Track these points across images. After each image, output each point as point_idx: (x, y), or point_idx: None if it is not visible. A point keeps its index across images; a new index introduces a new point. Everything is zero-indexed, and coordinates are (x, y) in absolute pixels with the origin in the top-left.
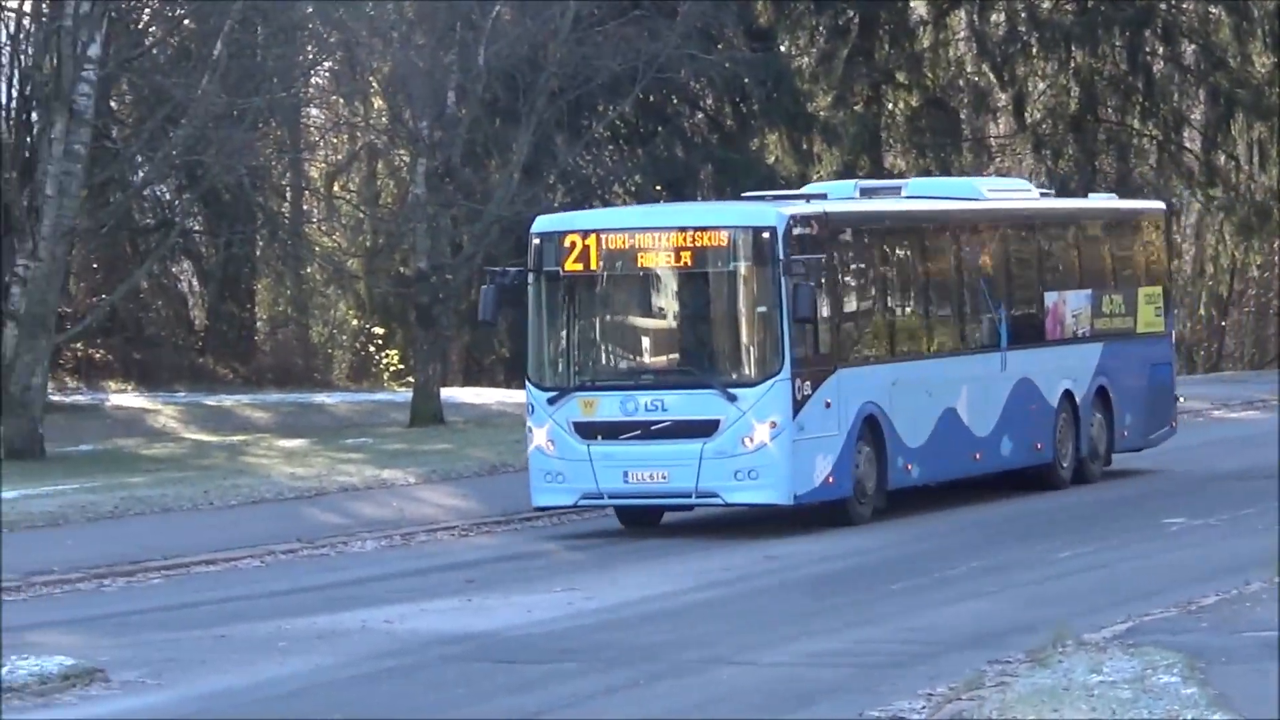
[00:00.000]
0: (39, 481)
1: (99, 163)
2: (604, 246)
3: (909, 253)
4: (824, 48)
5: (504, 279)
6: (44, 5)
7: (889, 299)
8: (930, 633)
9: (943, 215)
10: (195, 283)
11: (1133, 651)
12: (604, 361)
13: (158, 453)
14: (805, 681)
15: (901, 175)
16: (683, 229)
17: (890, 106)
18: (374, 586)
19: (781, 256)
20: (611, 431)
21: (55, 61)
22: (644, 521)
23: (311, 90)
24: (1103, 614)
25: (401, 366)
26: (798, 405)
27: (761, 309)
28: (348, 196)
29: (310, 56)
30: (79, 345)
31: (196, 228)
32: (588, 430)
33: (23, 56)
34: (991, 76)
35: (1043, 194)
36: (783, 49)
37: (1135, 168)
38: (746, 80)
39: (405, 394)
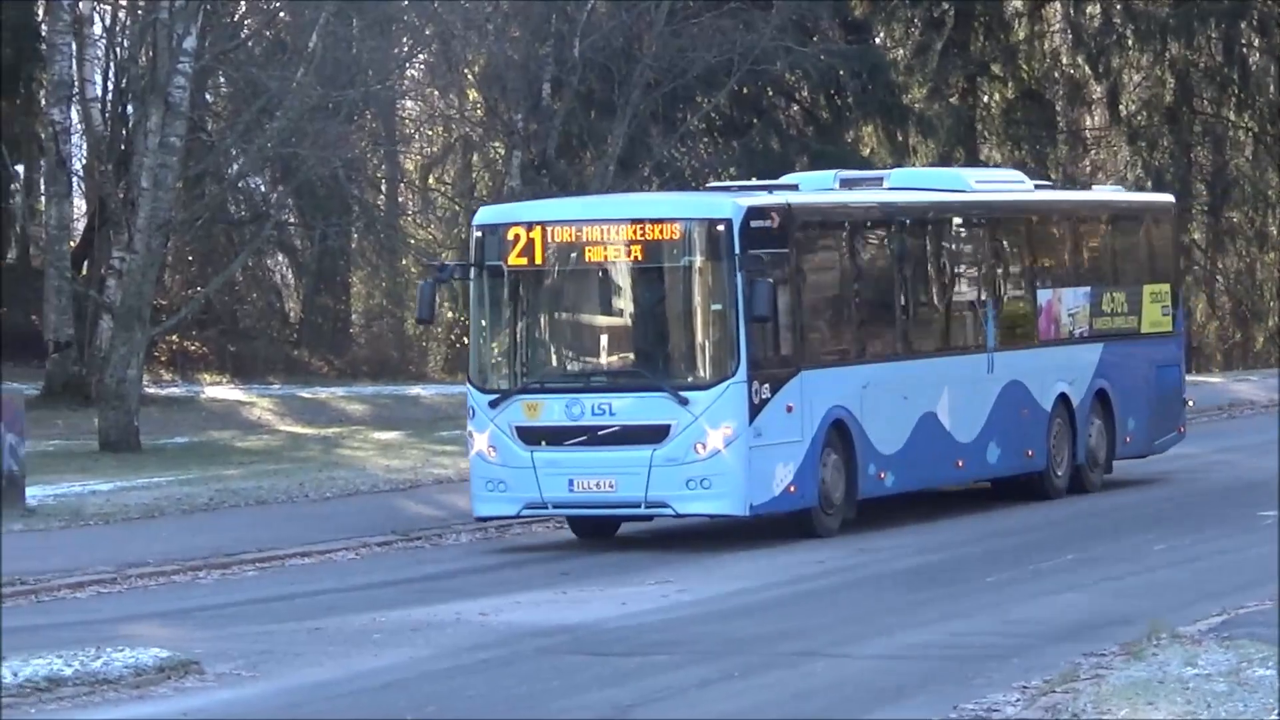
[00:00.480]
0: (134, 474)
1: (194, 155)
2: (549, 239)
3: (882, 247)
4: (919, 40)
5: (443, 275)
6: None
7: (859, 296)
8: (1024, 625)
9: (919, 207)
10: (290, 275)
11: (1227, 645)
12: (549, 362)
13: (252, 445)
14: (899, 674)
15: (996, 168)
16: (632, 221)
17: (985, 99)
18: (468, 579)
19: (737, 250)
20: (556, 437)
21: (151, 54)
22: (598, 533)
23: (406, 83)
24: (1196, 607)
25: None
26: (755, 409)
27: (716, 306)
28: (442, 189)
29: (405, 49)
30: (174, 338)
31: (291, 220)
32: (531, 435)
33: (119, 49)
34: (1086, 69)
35: (1038, 185)
36: (878, 41)
37: (1231, 159)
38: (842, 72)
39: None
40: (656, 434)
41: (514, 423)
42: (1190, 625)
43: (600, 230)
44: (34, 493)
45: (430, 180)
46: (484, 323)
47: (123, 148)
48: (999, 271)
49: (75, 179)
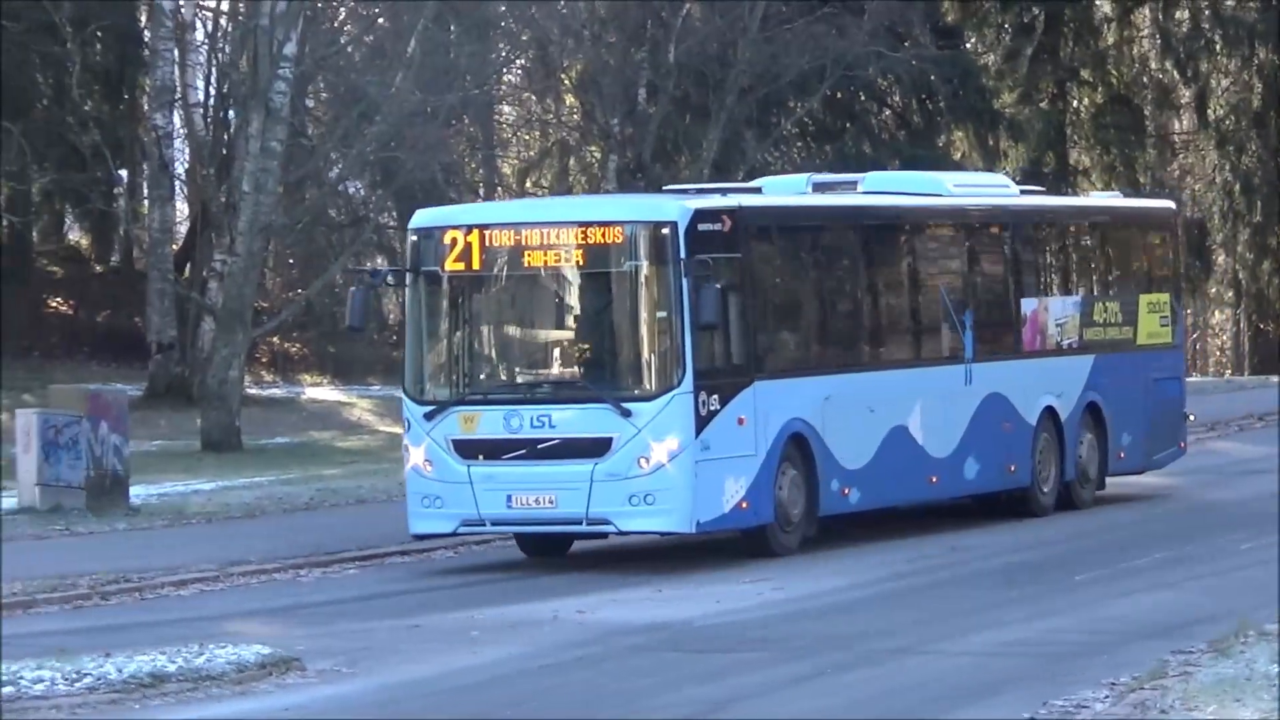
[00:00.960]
0: (236, 473)
1: (295, 160)
2: (487, 244)
3: (845, 253)
4: (1010, 45)
5: (374, 280)
6: (241, 5)
7: (820, 304)
8: (1113, 623)
9: (884, 211)
10: (389, 278)
11: None
12: (486, 373)
13: (352, 445)
14: (990, 671)
15: (1086, 172)
16: (574, 224)
17: (1075, 103)
18: (565, 576)
19: (683, 255)
20: (493, 451)
21: (252, 60)
22: (548, 551)
23: (504, 88)
24: None
25: None
26: (702, 422)
27: (661, 313)
28: (540, 193)
29: (503, 54)
30: (275, 339)
31: (390, 223)
32: (468, 449)
33: (220, 55)
34: (1175, 73)
35: (1024, 190)
36: (969, 46)
37: None
38: (934, 78)
39: None
40: (598, 447)
41: (450, 436)
42: (1276, 624)
43: (540, 234)
44: (138, 492)
45: (527, 184)
46: (420, 331)
47: (224, 152)
48: (977, 280)
49: (178, 183)
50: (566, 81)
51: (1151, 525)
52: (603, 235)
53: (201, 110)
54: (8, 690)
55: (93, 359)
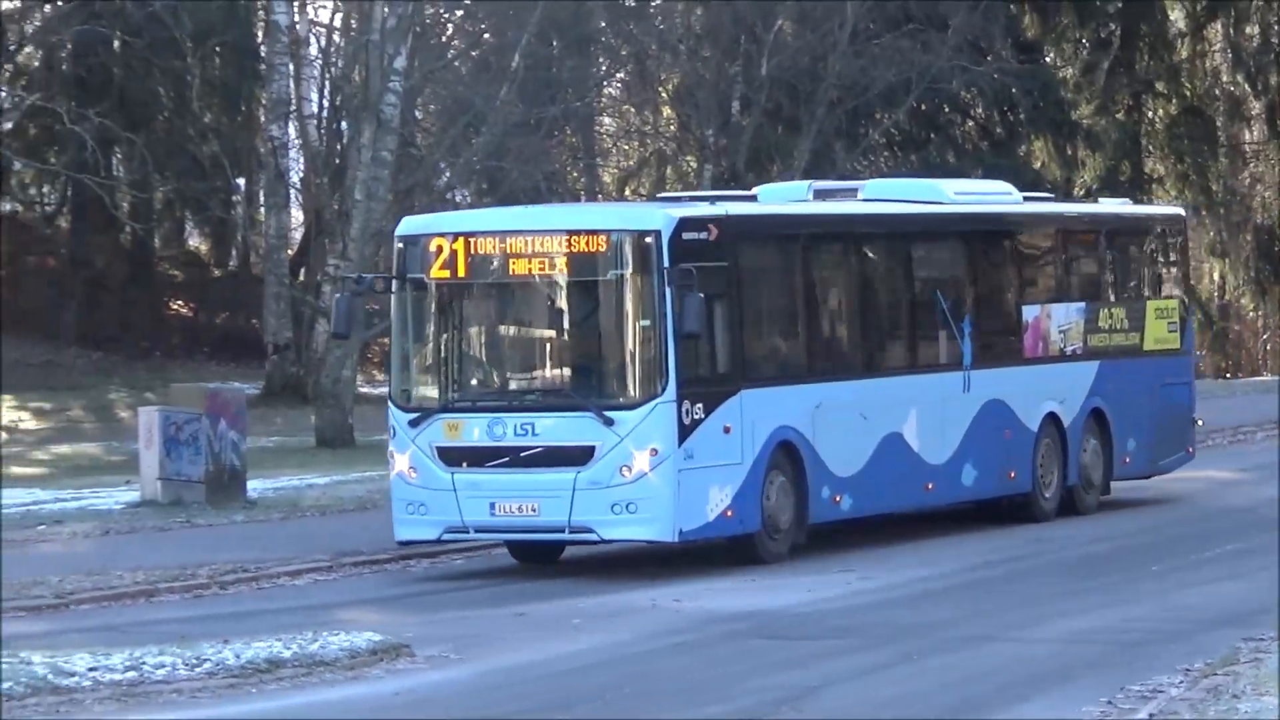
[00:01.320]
0: (348, 468)
1: (404, 169)
2: (473, 251)
3: (834, 262)
4: (1087, 59)
5: (360, 286)
6: (353, 20)
7: (812, 312)
8: (1188, 611)
9: (876, 220)
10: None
11: None
12: (471, 380)
13: None
14: (1068, 657)
15: (1160, 180)
16: (558, 232)
17: (1150, 114)
18: (666, 566)
19: (666, 263)
20: (477, 458)
21: (364, 74)
22: (538, 558)
23: (604, 100)
24: None
25: None
26: (685, 430)
27: (645, 322)
28: (639, 201)
29: (603, 68)
30: (385, 340)
31: None
32: (452, 456)
33: (333, 69)
34: (1246, 86)
35: (1027, 198)
36: (1048, 60)
37: None
38: (1014, 90)
39: None
40: (580, 456)
41: (435, 443)
42: None
43: (525, 242)
44: (255, 486)
45: (626, 192)
46: (406, 338)
47: (337, 161)
48: (976, 287)
49: (293, 191)
50: (664, 94)
51: (1214, 521)
52: (587, 243)
53: (315, 122)
54: (130, 675)
55: (212, 359)
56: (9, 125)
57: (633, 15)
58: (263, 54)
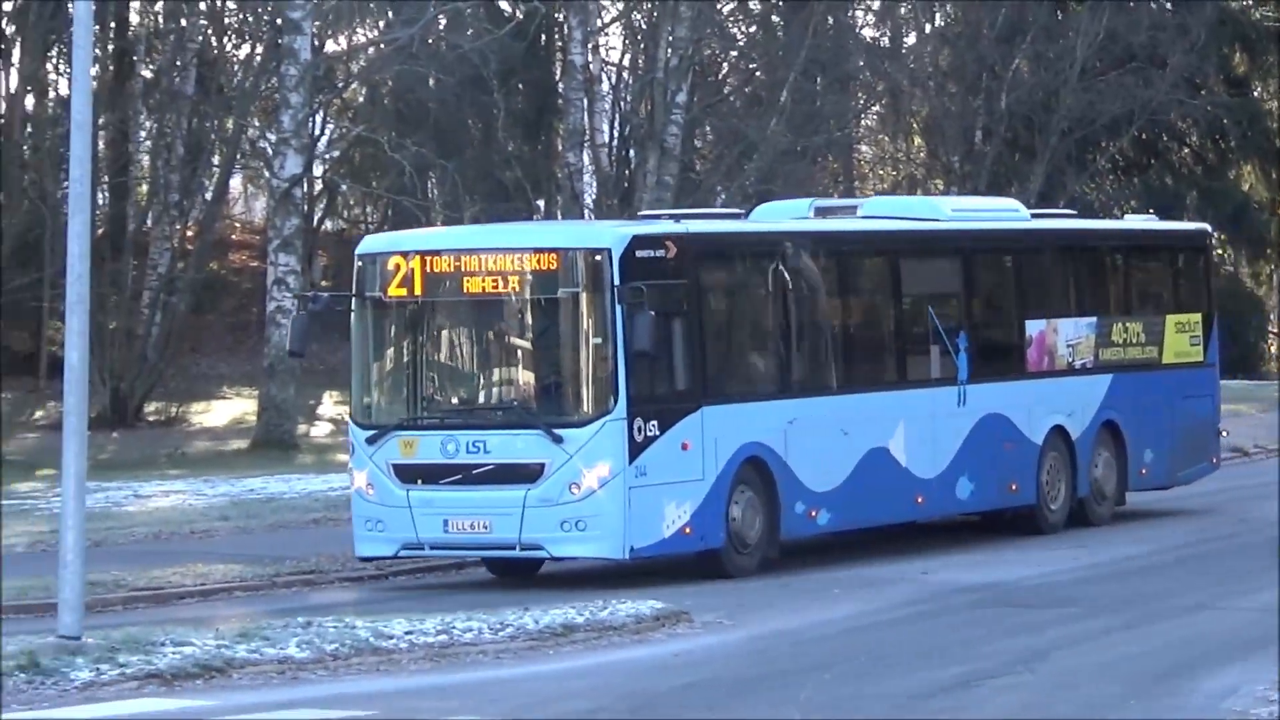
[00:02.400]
0: None
1: (685, 192)
2: (429, 270)
3: (811, 278)
4: None
5: (316, 305)
6: (640, 60)
7: (779, 329)
8: None
9: (853, 236)
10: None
11: None
12: (426, 398)
13: None
14: (1269, 626)
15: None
16: (511, 251)
17: None
18: (911, 541)
19: (617, 281)
20: (431, 475)
21: (650, 107)
22: (517, 572)
23: (862, 130)
24: None
25: None
26: (638, 447)
27: (596, 340)
28: None
29: (861, 102)
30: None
31: None
32: (407, 473)
33: (623, 103)
34: None
35: (1035, 215)
36: (1257, 94)
37: None
38: (1225, 120)
39: None
40: (531, 473)
41: (391, 460)
42: None
43: (479, 260)
44: None
45: None
46: (365, 356)
47: (625, 185)
48: (972, 302)
49: (586, 212)
50: (915, 125)
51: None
52: (539, 262)
53: (606, 150)
54: (441, 639)
55: None
56: (337, 153)
57: (887, 55)
58: (560, 90)
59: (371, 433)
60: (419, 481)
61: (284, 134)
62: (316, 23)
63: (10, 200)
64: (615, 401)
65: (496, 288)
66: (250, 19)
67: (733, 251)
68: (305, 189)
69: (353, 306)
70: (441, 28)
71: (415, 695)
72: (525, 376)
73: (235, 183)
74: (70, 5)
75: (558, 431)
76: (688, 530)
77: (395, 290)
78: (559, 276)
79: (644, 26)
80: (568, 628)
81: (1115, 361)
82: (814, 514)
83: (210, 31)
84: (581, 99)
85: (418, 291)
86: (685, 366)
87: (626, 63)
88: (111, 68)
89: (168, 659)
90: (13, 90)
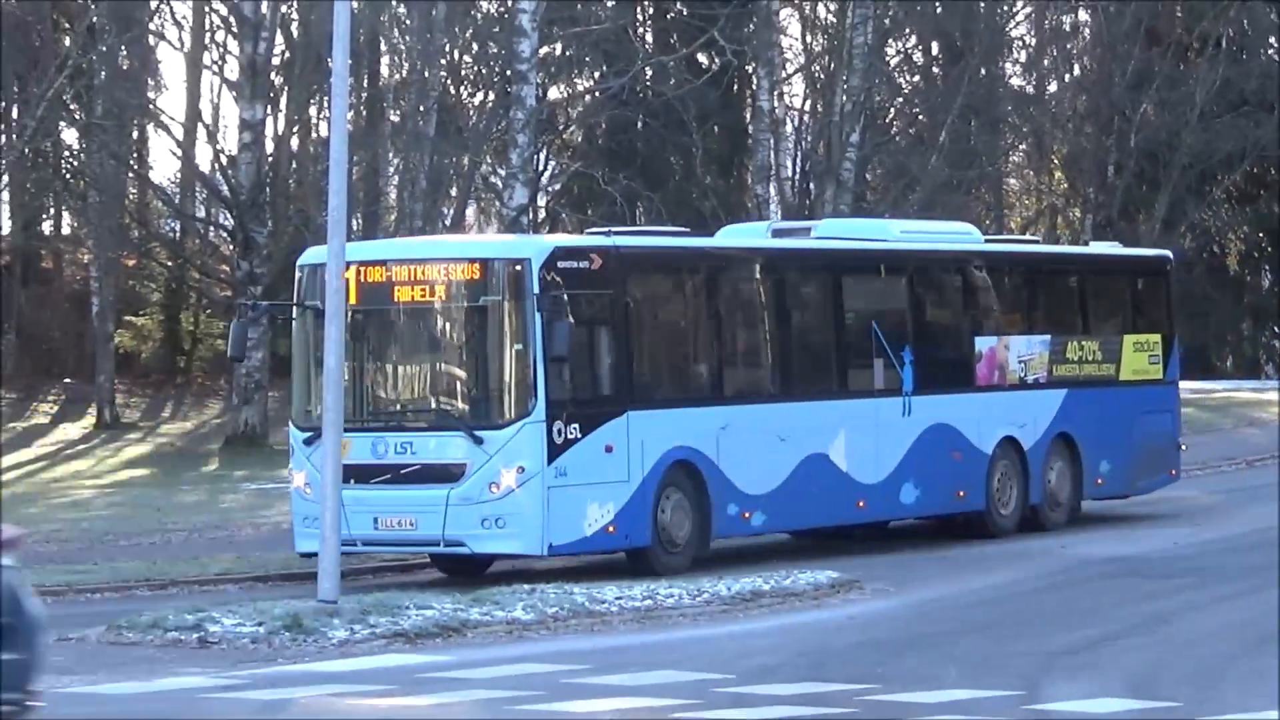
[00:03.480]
0: None
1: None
2: (362, 280)
3: (739, 292)
4: None
5: (254, 313)
6: (819, 106)
7: (713, 340)
8: None
9: (783, 255)
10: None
11: None
12: (359, 401)
13: None
14: None
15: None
16: (437, 261)
17: None
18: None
19: (536, 290)
20: (362, 475)
21: (827, 146)
22: (465, 572)
23: (1009, 165)
24: None
25: None
26: (557, 449)
27: (517, 346)
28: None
29: (1009, 140)
30: None
31: None
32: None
33: (805, 142)
34: None
35: (989, 240)
36: None
37: None
38: None
39: None
40: (453, 473)
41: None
42: None
43: (408, 270)
44: None
45: (1026, 236)
46: (305, 361)
47: (806, 214)
48: (918, 319)
49: None
50: (1055, 161)
51: None
52: (462, 272)
53: (790, 183)
54: (647, 603)
55: None
56: (558, 186)
57: (1032, 101)
58: (750, 131)
59: (309, 435)
60: (351, 481)
61: (512, 169)
62: (541, 74)
63: (278, 226)
64: (534, 405)
65: (424, 296)
66: (484, 70)
67: (659, 265)
68: (530, 217)
69: (294, 315)
70: (648, 78)
71: (624, 652)
72: (450, 381)
73: (470, 212)
74: (329, 60)
75: (478, 433)
76: (611, 529)
77: None
78: (481, 286)
79: (822, 77)
80: (756, 594)
81: (1070, 377)
82: (748, 516)
83: (449, 81)
84: (768, 139)
85: (353, 301)
86: (610, 372)
87: (807, 107)
88: (364, 112)
89: (412, 620)
90: (280, 132)
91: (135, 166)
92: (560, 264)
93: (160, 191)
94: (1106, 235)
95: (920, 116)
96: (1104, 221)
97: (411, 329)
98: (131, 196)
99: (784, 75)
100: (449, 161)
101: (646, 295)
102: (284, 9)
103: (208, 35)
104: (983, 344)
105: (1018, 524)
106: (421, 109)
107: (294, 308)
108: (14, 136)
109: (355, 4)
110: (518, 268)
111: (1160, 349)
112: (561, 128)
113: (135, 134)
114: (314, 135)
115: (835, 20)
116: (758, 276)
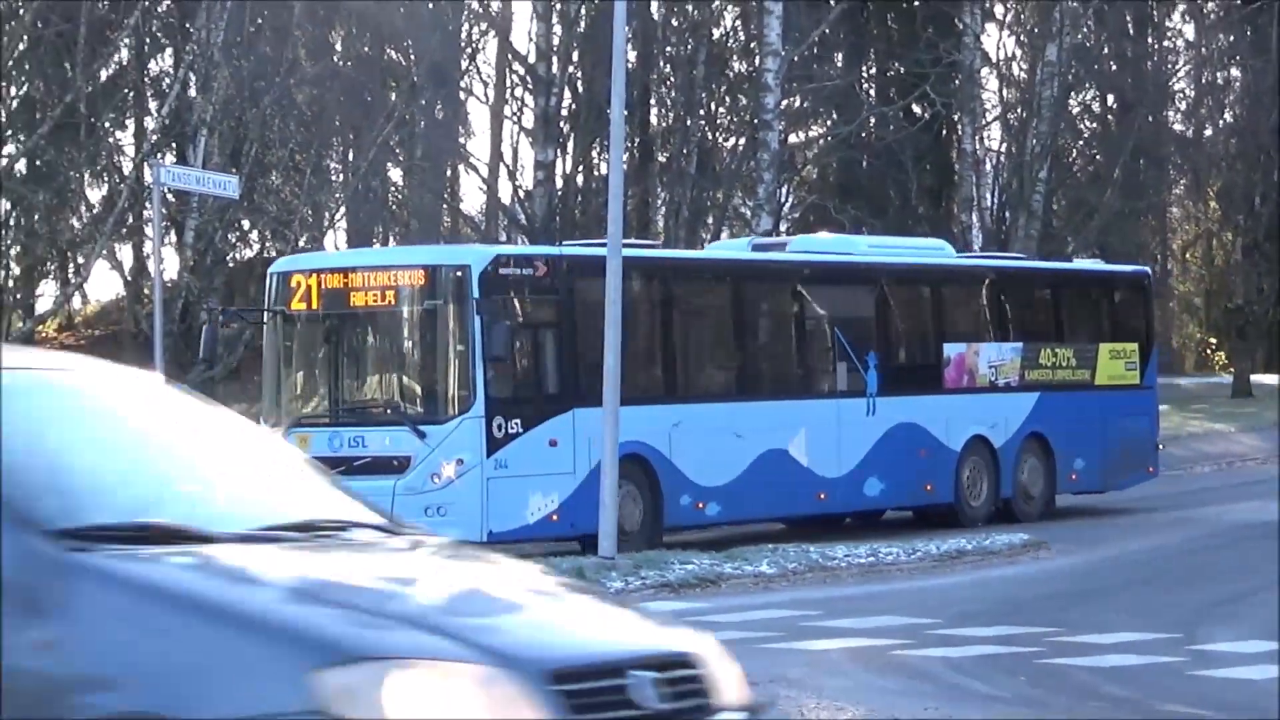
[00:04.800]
0: None
1: (1045, 243)
2: (322, 286)
3: (689, 299)
4: None
5: (225, 317)
6: (1013, 148)
7: (661, 342)
8: None
9: (729, 266)
10: (238, 316)
11: None
12: (317, 399)
13: None
14: None
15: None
16: (387, 268)
17: None
18: (1205, 495)
19: (475, 295)
20: None
21: (1020, 182)
22: None
23: (1172, 197)
24: None
25: (1227, 360)
26: (497, 443)
27: (460, 347)
28: (1195, 264)
29: (1172, 176)
30: None
31: None
32: None
33: (1000, 178)
34: None
35: (962, 255)
36: None
37: None
38: None
39: (1228, 378)
40: (399, 465)
41: None
42: None
43: (362, 277)
44: None
45: (1186, 256)
46: (274, 361)
47: (1003, 239)
48: (882, 326)
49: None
50: (1211, 193)
51: None
52: (409, 278)
53: (989, 212)
54: (870, 560)
55: None
56: (796, 215)
57: (1191, 143)
58: (956, 169)
59: (275, 430)
60: None
61: (759, 202)
62: (782, 123)
63: None
64: (474, 401)
65: (376, 301)
66: (735, 120)
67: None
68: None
69: (264, 319)
70: (871, 125)
71: (850, 600)
72: (398, 379)
73: (724, 237)
74: (608, 110)
75: (422, 428)
76: (554, 518)
77: (297, 304)
78: (427, 291)
79: (1016, 124)
80: (960, 552)
81: (1043, 381)
82: (701, 505)
83: (707, 128)
84: (971, 175)
85: (314, 305)
86: (556, 372)
87: (1003, 149)
88: (638, 155)
89: (676, 573)
90: (568, 170)
91: (449, 200)
92: (502, 271)
93: (469, 221)
94: (1253, 256)
95: (1098, 156)
96: (1251, 244)
97: (366, 331)
98: (445, 225)
99: (984, 122)
100: (707, 195)
101: (593, 301)
102: (571, 69)
103: (508, 91)
104: (951, 350)
105: (989, 516)
106: (684, 151)
107: (265, 312)
108: (350, 175)
109: (630, 64)
110: (459, 274)
111: (1138, 357)
112: (800, 167)
113: (449, 173)
114: (595, 173)
115: (1026, 77)
116: (703, 284)
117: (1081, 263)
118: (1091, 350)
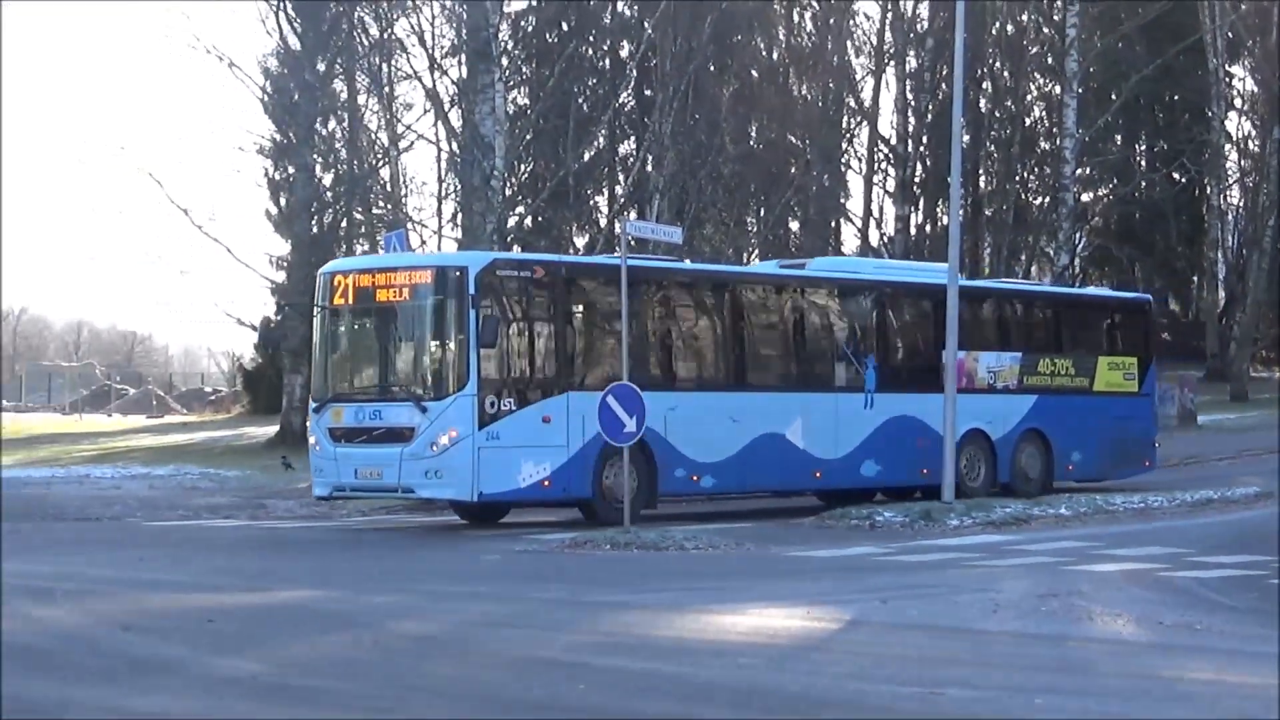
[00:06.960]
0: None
1: (1270, 276)
2: (354, 285)
3: (690, 302)
4: None
5: (279, 313)
6: (1249, 202)
7: (659, 339)
8: None
9: (708, 275)
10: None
11: None
12: (347, 379)
13: None
14: None
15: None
16: (402, 269)
17: None
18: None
19: (472, 293)
20: (348, 436)
21: (1254, 228)
22: (484, 520)
23: None
24: None
25: None
26: (490, 418)
27: (460, 336)
28: None
29: None
30: None
31: None
32: (335, 435)
33: (1239, 224)
34: None
35: (970, 278)
36: None
37: None
38: None
39: None
40: (406, 435)
41: (327, 425)
42: None
43: (385, 276)
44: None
45: None
46: (321, 348)
47: (1240, 272)
48: (880, 333)
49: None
50: None
51: None
52: (419, 278)
53: (1230, 250)
54: (1140, 505)
55: None
56: (1087, 253)
57: None
58: (1205, 218)
59: (318, 405)
60: (342, 440)
61: (1059, 244)
62: (1077, 186)
63: None
64: (468, 382)
65: (395, 297)
66: (1041, 184)
67: (593, 277)
68: (1072, 271)
69: (315, 313)
70: (1142, 187)
71: (1126, 535)
72: (409, 362)
73: (1033, 270)
74: (949, 177)
75: (424, 404)
76: (546, 483)
77: (337, 300)
78: (433, 288)
79: (1250, 185)
80: (1208, 500)
81: (1040, 386)
82: (696, 478)
83: (1021, 191)
84: (1217, 223)
85: (351, 301)
86: (553, 360)
87: (1241, 204)
88: (970, 210)
89: (997, 514)
90: (919, 222)
91: (832, 244)
92: (499, 273)
93: None
94: None
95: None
96: None
97: (386, 322)
98: None
99: (1227, 183)
100: (1021, 240)
101: (589, 302)
102: (921, 148)
103: (876, 164)
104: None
105: (987, 494)
106: (1004, 208)
107: (314, 307)
108: (761, 226)
109: (964, 143)
110: (458, 274)
111: (1136, 369)
112: (1090, 218)
113: (832, 224)
114: (939, 224)
115: (1258, 150)
116: (707, 291)
117: (1090, 290)
118: (1091, 362)
